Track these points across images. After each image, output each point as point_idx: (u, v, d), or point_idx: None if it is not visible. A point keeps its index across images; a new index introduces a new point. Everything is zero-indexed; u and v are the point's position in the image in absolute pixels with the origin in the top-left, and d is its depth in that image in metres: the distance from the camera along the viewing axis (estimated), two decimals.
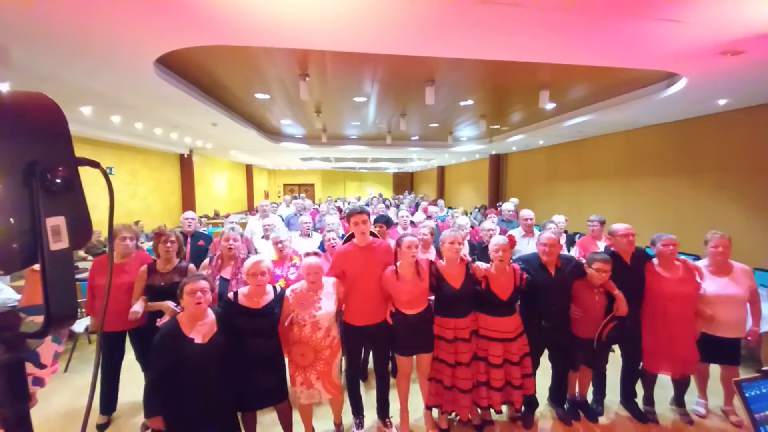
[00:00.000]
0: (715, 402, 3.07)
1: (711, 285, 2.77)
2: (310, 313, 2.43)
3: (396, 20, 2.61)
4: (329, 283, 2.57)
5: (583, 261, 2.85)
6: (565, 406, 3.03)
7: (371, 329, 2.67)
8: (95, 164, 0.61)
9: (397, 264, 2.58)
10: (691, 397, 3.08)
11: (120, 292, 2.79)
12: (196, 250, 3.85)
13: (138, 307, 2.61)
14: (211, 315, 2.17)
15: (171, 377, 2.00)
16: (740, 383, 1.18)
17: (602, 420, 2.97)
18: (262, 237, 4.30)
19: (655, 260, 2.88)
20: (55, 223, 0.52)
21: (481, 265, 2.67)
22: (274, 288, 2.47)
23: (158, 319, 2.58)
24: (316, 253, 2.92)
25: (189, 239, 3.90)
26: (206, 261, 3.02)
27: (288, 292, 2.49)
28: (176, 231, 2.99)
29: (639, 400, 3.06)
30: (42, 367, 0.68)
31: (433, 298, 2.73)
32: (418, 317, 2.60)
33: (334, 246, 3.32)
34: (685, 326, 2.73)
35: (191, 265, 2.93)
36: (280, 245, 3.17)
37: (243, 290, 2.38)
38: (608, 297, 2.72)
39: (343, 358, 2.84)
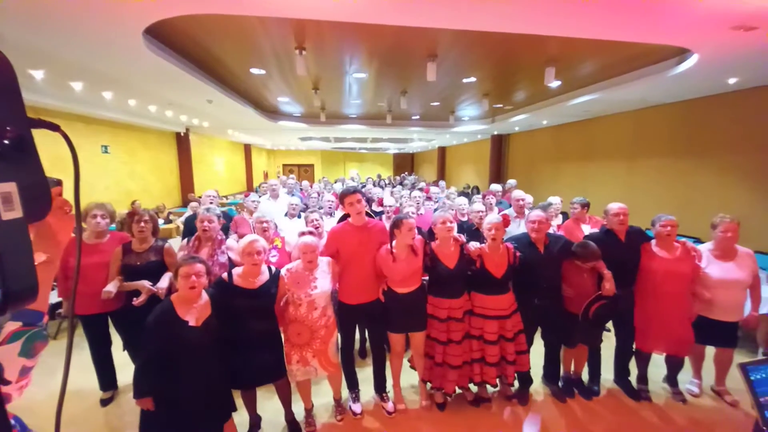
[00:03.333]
0: (709, 382, 3.11)
1: (715, 269, 2.75)
2: (306, 293, 2.43)
3: None
4: (324, 262, 2.56)
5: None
6: (560, 384, 3.08)
7: (365, 307, 2.70)
8: (54, 127, 0.55)
9: (392, 243, 2.57)
10: (684, 376, 3.12)
11: (96, 272, 2.71)
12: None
13: (111, 287, 2.54)
14: (204, 297, 2.15)
15: (164, 359, 1.99)
16: (745, 366, 1.15)
17: (596, 397, 3.02)
18: (285, 214, 4.26)
19: (654, 240, 2.86)
20: (6, 189, 0.47)
21: (474, 244, 2.67)
22: (269, 268, 2.45)
23: (134, 299, 2.55)
24: (311, 232, 2.88)
25: None
26: (183, 241, 2.96)
27: (283, 271, 2.47)
28: (150, 210, 2.93)
29: (632, 378, 3.10)
30: (6, 383, 0.62)
31: (427, 278, 2.74)
32: (411, 296, 2.63)
33: (317, 227, 3.27)
34: (678, 306, 2.74)
35: (168, 244, 2.87)
36: (264, 225, 3.09)
37: (237, 270, 2.35)
38: (598, 275, 2.73)
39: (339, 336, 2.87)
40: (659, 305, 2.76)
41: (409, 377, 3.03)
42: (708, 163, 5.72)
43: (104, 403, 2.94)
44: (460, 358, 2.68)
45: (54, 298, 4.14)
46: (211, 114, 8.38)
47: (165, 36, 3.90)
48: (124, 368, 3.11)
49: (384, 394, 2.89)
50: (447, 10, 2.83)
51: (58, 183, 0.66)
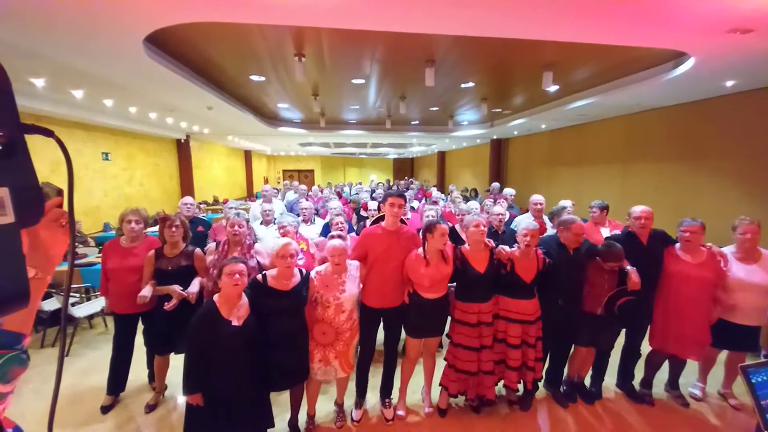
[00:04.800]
0: (712, 385, 3.08)
1: (738, 271, 2.73)
2: (335, 296, 2.46)
3: None
4: (353, 266, 2.59)
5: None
6: (562, 388, 3.05)
7: (387, 312, 2.69)
8: (48, 132, 0.55)
9: (425, 248, 2.56)
10: (685, 379, 3.09)
11: (129, 275, 2.84)
12: (195, 235, 3.82)
13: (146, 291, 2.65)
14: (244, 298, 2.22)
15: (207, 357, 2.07)
16: (746, 369, 1.14)
17: (597, 401, 2.99)
18: (261, 223, 4.25)
19: (678, 244, 2.84)
20: None
21: (504, 248, 2.67)
22: (300, 270, 2.48)
23: (166, 303, 2.61)
24: (340, 236, 2.89)
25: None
26: (212, 246, 3.01)
27: (313, 273, 2.51)
28: (181, 216, 2.97)
29: (635, 382, 3.07)
30: None
31: (453, 285, 2.74)
32: (436, 302, 2.62)
33: (341, 230, 3.28)
34: (699, 310, 2.71)
35: (198, 250, 2.93)
36: (282, 230, 3.15)
37: (271, 272, 2.39)
38: (618, 275, 2.73)
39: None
40: (680, 309, 2.73)
41: (414, 383, 3.00)
42: (703, 166, 5.72)
43: (105, 410, 2.92)
44: (492, 362, 2.69)
45: (54, 305, 4.13)
46: (211, 120, 8.42)
47: (165, 43, 3.93)
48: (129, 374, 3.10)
49: (387, 400, 2.87)
50: (444, 16, 2.85)
51: (59, 193, 0.63)
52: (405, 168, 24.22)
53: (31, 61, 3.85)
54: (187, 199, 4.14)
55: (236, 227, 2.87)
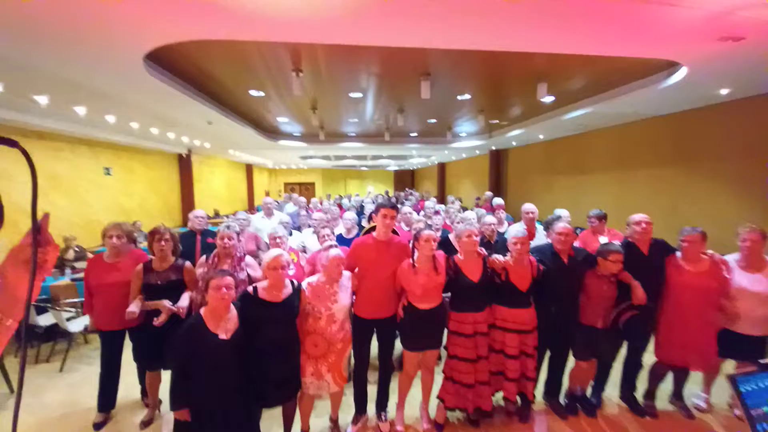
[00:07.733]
0: (717, 396, 3.01)
1: (741, 280, 2.68)
2: (327, 306, 2.44)
3: (385, 10, 2.55)
4: (345, 276, 2.58)
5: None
6: (564, 401, 2.99)
7: (379, 323, 2.67)
8: (12, 143, 0.55)
9: (414, 257, 2.56)
10: (691, 389, 3.02)
11: (113, 291, 2.78)
12: (206, 247, 3.78)
13: (134, 307, 2.58)
14: (233, 311, 2.19)
15: (194, 371, 2.03)
16: (735, 378, 1.11)
17: (599, 413, 2.92)
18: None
19: (679, 253, 2.81)
20: None
21: (498, 257, 2.64)
22: (291, 281, 2.47)
23: (155, 318, 2.57)
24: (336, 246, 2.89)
25: (199, 237, 3.87)
26: (203, 258, 2.99)
27: (304, 285, 2.50)
28: (171, 229, 2.94)
29: (638, 394, 3.01)
30: None
31: (448, 295, 2.71)
32: (430, 313, 2.59)
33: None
34: (703, 319, 2.66)
35: (188, 263, 2.90)
36: (278, 240, 3.14)
37: (262, 284, 2.38)
38: (618, 287, 2.69)
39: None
40: (685, 319, 2.67)
41: (411, 396, 2.94)
42: (697, 173, 5.73)
43: (97, 426, 2.87)
44: (488, 372, 2.64)
45: (50, 320, 4.12)
46: (212, 135, 8.52)
47: (165, 60, 4.01)
48: (120, 388, 3.06)
49: (382, 413, 2.81)
50: (439, 30, 2.91)
51: (39, 229, 0.60)
52: (405, 180, 24.32)
53: (34, 79, 3.93)
54: (199, 212, 4.11)
55: (225, 240, 2.83)
